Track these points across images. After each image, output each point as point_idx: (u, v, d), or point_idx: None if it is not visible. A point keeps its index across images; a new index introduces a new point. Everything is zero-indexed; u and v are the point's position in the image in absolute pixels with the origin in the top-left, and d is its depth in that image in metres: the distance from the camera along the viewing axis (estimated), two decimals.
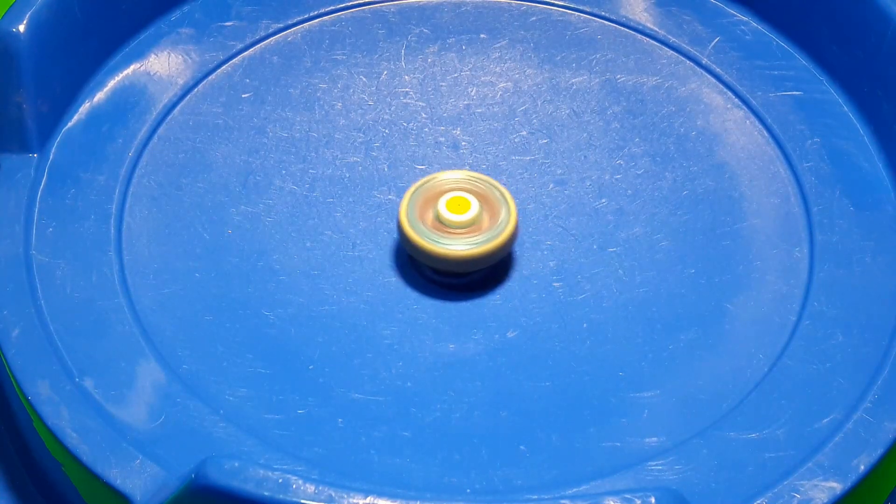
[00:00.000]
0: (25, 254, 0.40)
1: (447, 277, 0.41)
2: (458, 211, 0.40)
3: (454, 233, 0.40)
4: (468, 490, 0.36)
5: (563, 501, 0.33)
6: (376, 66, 0.46)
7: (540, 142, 0.45)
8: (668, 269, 0.41)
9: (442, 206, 0.40)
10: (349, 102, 0.45)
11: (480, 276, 0.41)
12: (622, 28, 0.47)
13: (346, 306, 0.40)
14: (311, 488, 0.33)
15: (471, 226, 0.40)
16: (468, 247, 0.40)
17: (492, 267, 0.41)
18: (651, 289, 0.41)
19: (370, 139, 0.45)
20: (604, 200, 0.43)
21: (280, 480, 0.33)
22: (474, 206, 0.40)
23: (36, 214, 0.41)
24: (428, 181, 0.41)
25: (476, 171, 0.44)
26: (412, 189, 0.41)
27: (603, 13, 0.48)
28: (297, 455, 0.36)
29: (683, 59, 0.47)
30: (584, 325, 0.40)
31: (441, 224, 0.40)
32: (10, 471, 0.41)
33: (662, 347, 0.39)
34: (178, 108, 0.45)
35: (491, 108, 0.45)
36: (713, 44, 0.47)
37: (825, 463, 0.36)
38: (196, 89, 0.45)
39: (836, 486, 0.35)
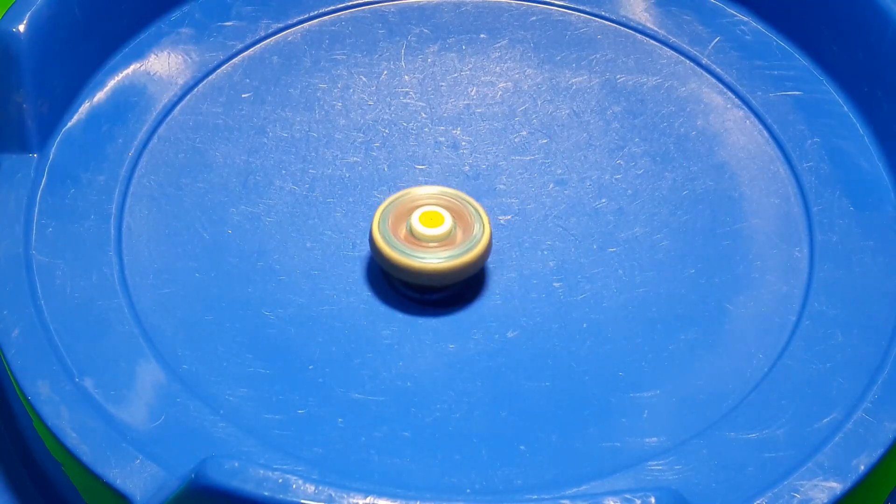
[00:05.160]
0: (25, 254, 0.40)
1: (422, 293, 0.41)
2: (431, 225, 0.40)
3: (427, 247, 0.40)
4: (468, 490, 0.36)
5: (563, 501, 0.33)
6: (376, 66, 0.46)
7: (540, 142, 0.45)
8: (668, 269, 0.41)
9: (415, 219, 0.40)
10: (349, 102, 0.45)
11: (459, 290, 0.41)
12: (622, 28, 0.47)
13: (346, 306, 0.40)
14: (311, 488, 0.33)
15: (444, 239, 0.40)
16: (441, 260, 0.39)
17: (491, 267, 0.41)
18: (651, 289, 0.41)
19: (370, 139, 0.45)
20: (604, 200, 0.43)
21: (280, 480, 0.33)
22: (447, 221, 0.40)
23: (36, 214, 0.41)
24: (401, 196, 0.41)
25: (476, 170, 0.44)
26: (384, 204, 0.41)
27: (603, 13, 0.48)
28: (297, 455, 0.36)
29: (683, 59, 0.47)
30: (584, 325, 0.40)
31: (414, 238, 0.40)
32: (10, 471, 0.41)
33: (662, 347, 0.39)
34: (178, 108, 0.45)
35: (491, 108, 0.45)
36: (713, 44, 0.47)
37: (825, 463, 0.36)
38: (196, 89, 0.45)
39: (836, 486, 0.35)
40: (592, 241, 0.42)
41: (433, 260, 0.39)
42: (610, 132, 0.45)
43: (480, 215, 0.40)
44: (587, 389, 0.38)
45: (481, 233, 0.40)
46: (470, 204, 0.41)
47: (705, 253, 0.42)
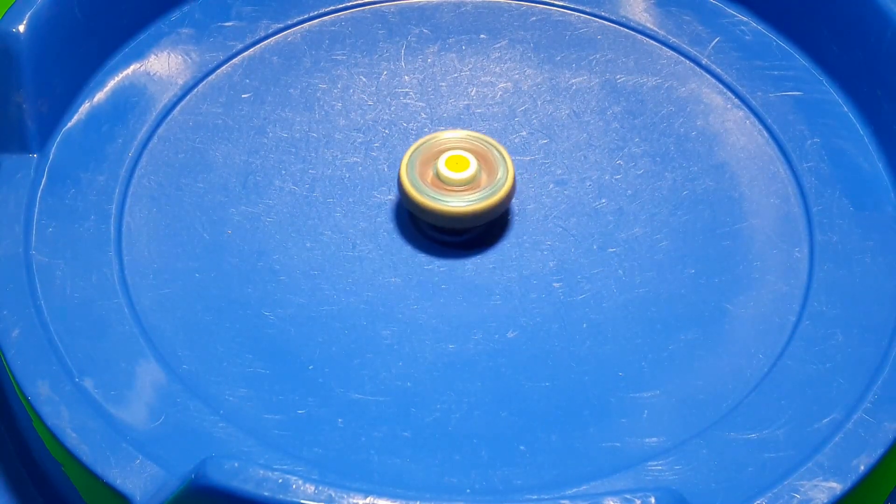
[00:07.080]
0: (25, 254, 0.40)
1: (447, 235, 0.41)
2: (456, 169, 0.41)
3: (453, 190, 0.41)
4: (468, 490, 0.36)
5: (563, 501, 0.33)
6: (376, 66, 0.46)
7: (540, 142, 0.45)
8: (668, 269, 0.41)
9: (441, 164, 0.41)
10: (349, 102, 0.45)
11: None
12: (622, 28, 0.47)
13: (346, 306, 0.40)
14: (311, 488, 0.33)
15: (469, 183, 0.41)
16: (466, 203, 0.40)
17: (491, 267, 0.41)
18: (651, 289, 0.41)
19: (370, 139, 0.45)
20: (604, 200, 0.43)
21: (280, 480, 0.33)
22: (473, 165, 0.41)
23: (36, 214, 0.41)
24: (428, 140, 0.42)
25: None
26: (412, 148, 0.42)
27: (603, 13, 0.48)
28: (297, 455, 0.36)
29: (683, 59, 0.47)
30: (584, 325, 0.40)
31: (440, 182, 0.41)
32: (10, 471, 0.41)
33: (662, 347, 0.39)
34: (178, 108, 0.45)
35: (491, 108, 0.45)
36: (713, 44, 0.47)
37: (825, 463, 0.36)
38: (196, 89, 0.45)
39: (836, 486, 0.35)
40: (592, 241, 0.42)
41: (458, 203, 0.40)
42: (610, 132, 0.45)
43: (505, 159, 0.42)
44: (587, 389, 0.38)
45: (505, 177, 0.41)
46: (495, 147, 0.42)
47: (705, 253, 0.42)
